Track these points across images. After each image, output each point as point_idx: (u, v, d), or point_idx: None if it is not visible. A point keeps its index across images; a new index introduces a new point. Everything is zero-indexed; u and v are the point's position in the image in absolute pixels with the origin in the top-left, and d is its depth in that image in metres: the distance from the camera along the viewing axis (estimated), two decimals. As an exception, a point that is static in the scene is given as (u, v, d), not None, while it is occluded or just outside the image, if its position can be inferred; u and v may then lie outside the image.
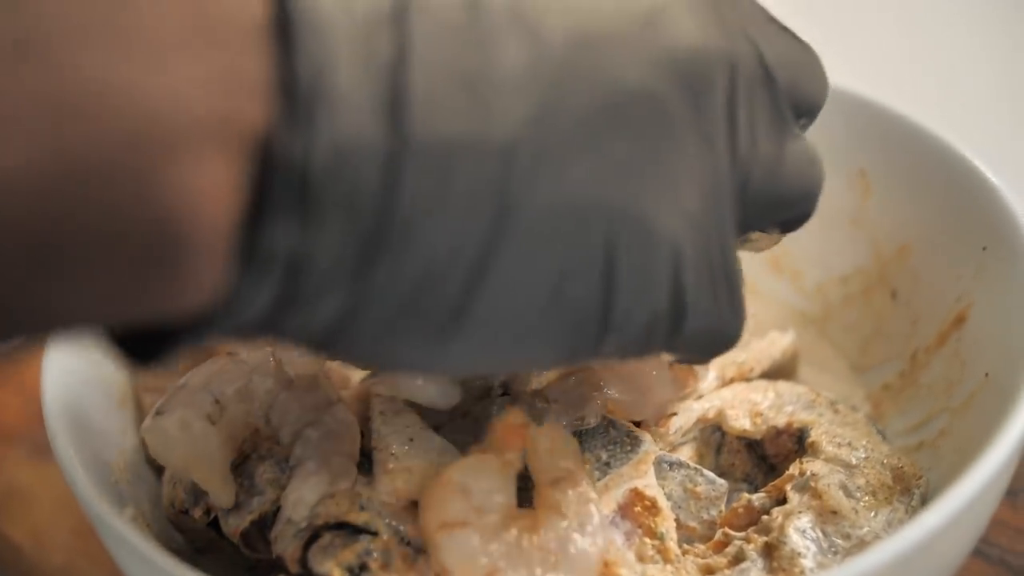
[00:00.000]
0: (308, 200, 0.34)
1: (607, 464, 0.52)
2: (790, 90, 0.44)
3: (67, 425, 0.52)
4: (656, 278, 0.41)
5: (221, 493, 0.51)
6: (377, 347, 0.39)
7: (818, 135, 0.66)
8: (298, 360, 0.53)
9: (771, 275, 0.70)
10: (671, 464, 0.55)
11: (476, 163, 0.36)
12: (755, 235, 0.51)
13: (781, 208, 0.47)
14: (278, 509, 0.51)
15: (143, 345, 0.36)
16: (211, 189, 0.32)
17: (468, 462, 0.48)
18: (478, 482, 0.48)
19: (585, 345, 0.41)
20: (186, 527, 0.54)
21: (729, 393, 0.60)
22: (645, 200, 0.39)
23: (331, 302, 0.36)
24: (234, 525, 0.51)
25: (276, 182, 0.34)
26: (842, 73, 0.68)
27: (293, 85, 0.33)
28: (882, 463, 0.55)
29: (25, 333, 0.34)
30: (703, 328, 0.43)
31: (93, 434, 0.54)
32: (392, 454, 0.51)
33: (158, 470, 0.56)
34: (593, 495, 0.49)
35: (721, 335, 0.45)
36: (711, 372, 0.60)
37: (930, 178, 0.61)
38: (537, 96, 0.37)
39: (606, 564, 0.49)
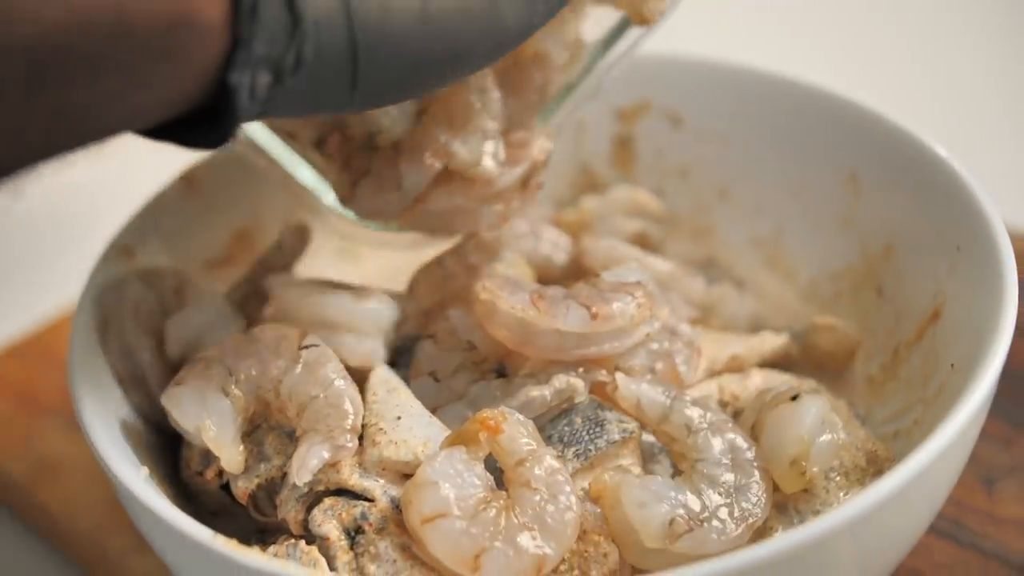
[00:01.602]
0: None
1: (591, 443, 0.56)
2: None
3: (91, 393, 0.56)
4: None
5: (231, 458, 0.55)
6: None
7: (812, 137, 0.70)
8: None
9: (766, 272, 0.73)
10: (661, 449, 0.59)
11: None
12: None
13: None
14: (284, 475, 0.55)
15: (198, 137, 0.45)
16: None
17: (437, 458, 0.52)
18: (449, 474, 0.51)
19: None
20: (201, 489, 0.58)
21: (717, 384, 0.63)
22: None
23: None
24: (243, 488, 0.55)
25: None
26: (839, 80, 0.71)
27: None
28: (857, 447, 0.58)
29: (91, 138, 0.42)
30: None
31: (116, 402, 0.58)
32: (381, 429, 0.55)
33: (178, 437, 0.59)
34: (559, 466, 0.52)
35: None
36: (702, 364, 0.63)
37: (913, 180, 0.64)
38: None
39: (584, 531, 0.52)
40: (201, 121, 0.45)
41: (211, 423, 0.54)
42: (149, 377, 0.60)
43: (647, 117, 0.76)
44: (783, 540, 0.44)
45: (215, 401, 0.55)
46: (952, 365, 0.56)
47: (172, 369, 0.59)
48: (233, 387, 0.55)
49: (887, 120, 0.67)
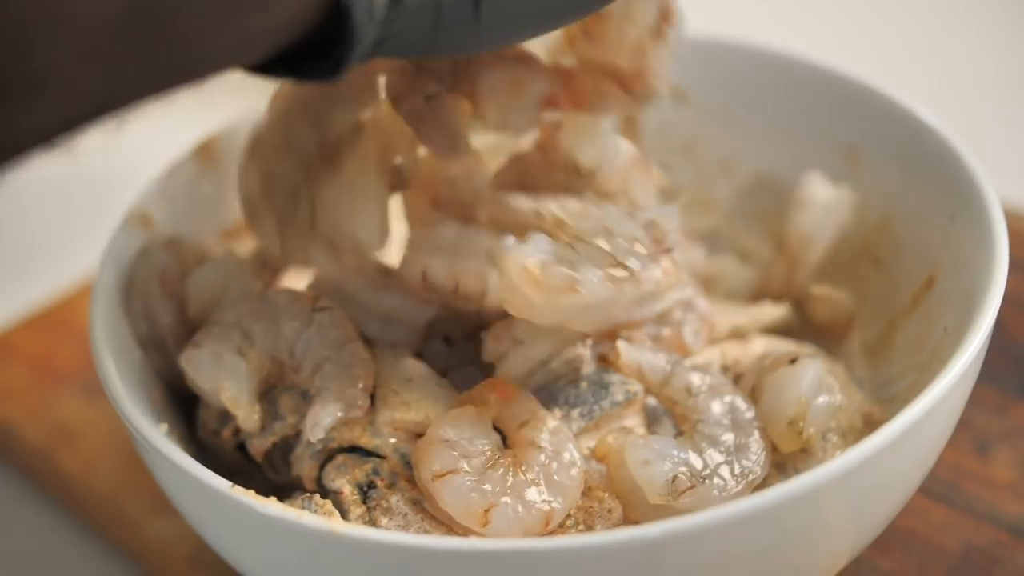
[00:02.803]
0: None
1: (596, 404, 0.57)
2: None
3: (112, 352, 0.57)
4: None
5: (247, 417, 0.56)
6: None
7: (813, 112, 0.71)
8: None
9: (767, 243, 0.74)
10: (665, 412, 0.60)
11: None
12: None
13: None
14: (299, 434, 0.56)
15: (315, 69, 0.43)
16: None
17: (448, 417, 0.53)
18: (459, 432, 0.53)
19: None
20: (218, 449, 0.60)
21: (720, 350, 0.65)
22: None
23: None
24: (258, 446, 0.57)
25: None
26: (841, 56, 0.73)
27: None
28: (854, 409, 0.59)
29: (200, 69, 0.40)
30: None
31: (136, 363, 0.60)
32: (393, 390, 0.56)
33: (195, 401, 0.61)
34: (563, 426, 0.54)
35: None
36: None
37: (910, 152, 0.65)
38: None
39: (589, 488, 0.54)
40: (316, 54, 0.43)
41: (228, 384, 0.56)
42: (169, 340, 0.61)
43: (652, 93, 0.77)
44: (778, 490, 0.46)
45: (231, 362, 0.56)
46: (945, 329, 0.57)
47: (191, 333, 0.60)
48: (249, 349, 0.57)
49: (885, 95, 0.68)
